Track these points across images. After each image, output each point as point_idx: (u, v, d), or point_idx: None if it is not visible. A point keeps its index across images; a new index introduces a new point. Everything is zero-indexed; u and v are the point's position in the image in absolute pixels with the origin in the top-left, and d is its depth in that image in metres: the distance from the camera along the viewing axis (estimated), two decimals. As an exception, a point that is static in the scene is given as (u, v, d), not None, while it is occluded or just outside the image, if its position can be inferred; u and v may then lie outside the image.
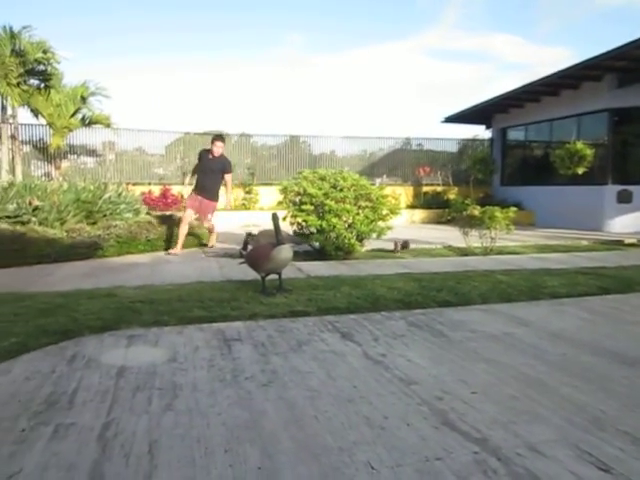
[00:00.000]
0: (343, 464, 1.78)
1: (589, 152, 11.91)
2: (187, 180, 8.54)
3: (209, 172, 7.53)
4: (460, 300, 4.32)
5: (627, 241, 9.29)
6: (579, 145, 12.02)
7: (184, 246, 7.70)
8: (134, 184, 13.42)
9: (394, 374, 2.65)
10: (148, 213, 9.56)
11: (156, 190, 13.62)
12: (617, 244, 9.11)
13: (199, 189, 7.61)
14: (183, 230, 7.51)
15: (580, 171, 11.97)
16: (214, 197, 7.68)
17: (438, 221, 14.18)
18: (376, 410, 2.21)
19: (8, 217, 7.10)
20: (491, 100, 14.39)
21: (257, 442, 1.93)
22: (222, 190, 7.92)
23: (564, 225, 12.10)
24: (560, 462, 1.80)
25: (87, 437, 1.97)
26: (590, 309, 4.08)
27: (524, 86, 13.02)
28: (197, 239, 8.50)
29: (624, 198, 11.49)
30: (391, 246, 7.70)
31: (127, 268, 6.10)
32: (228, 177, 7.68)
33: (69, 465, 1.77)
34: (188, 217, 7.57)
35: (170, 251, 7.39)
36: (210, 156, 7.56)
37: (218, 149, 7.52)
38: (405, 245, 7.87)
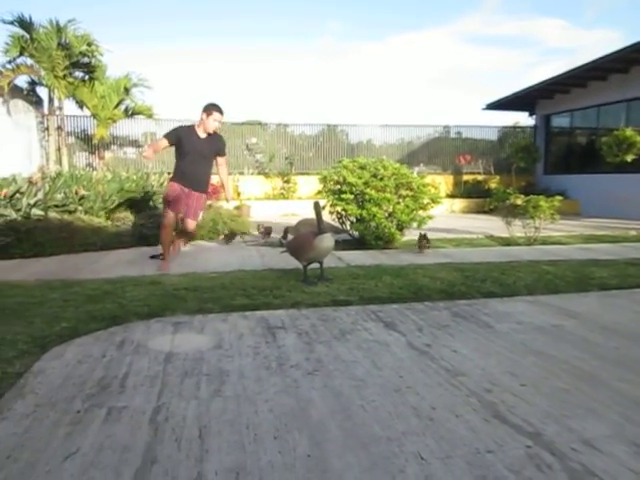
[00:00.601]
0: (392, 454, 1.77)
1: (639, 139, 11.46)
2: (145, 150, 5.94)
3: (199, 156, 5.44)
4: (505, 291, 4.23)
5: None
6: (628, 132, 11.58)
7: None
8: (175, 174, 13.62)
9: (440, 365, 2.61)
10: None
11: (196, 180, 13.79)
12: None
13: (185, 179, 5.47)
14: (167, 238, 5.45)
15: (629, 159, 11.54)
16: (206, 189, 5.81)
17: (478, 210, 13.94)
18: (423, 401, 2.19)
19: (56, 206, 7.33)
20: (535, 86, 13.99)
21: (305, 430, 1.93)
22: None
23: (610, 215, 11.71)
24: (618, 458, 1.75)
25: (139, 420, 2.01)
26: (642, 302, 3.94)
27: (570, 71, 12.61)
28: (235, 229, 8.57)
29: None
30: (433, 235, 7.59)
31: (170, 256, 6.20)
32: (223, 161, 5.76)
33: (123, 447, 1.82)
34: (171, 220, 5.45)
35: (160, 262, 5.51)
36: (202, 134, 5.42)
37: (214, 124, 5.38)
38: (424, 238, 6.37)
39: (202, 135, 5.42)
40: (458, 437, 1.89)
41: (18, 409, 2.12)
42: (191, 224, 5.65)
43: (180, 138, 5.35)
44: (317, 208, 4.38)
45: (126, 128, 14.81)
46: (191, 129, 5.43)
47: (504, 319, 3.45)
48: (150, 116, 14.05)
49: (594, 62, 11.82)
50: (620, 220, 10.95)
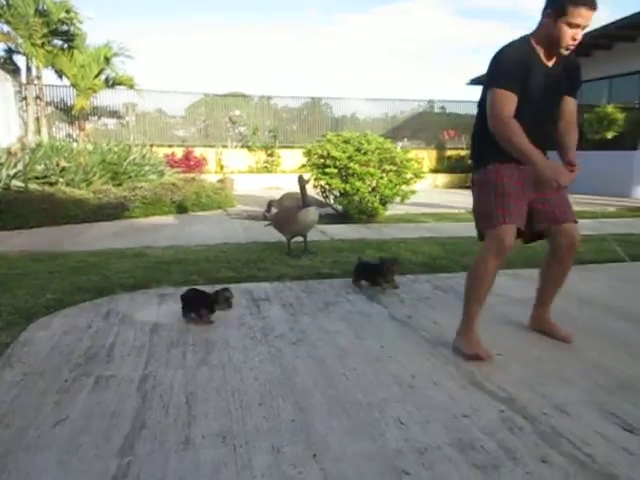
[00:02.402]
0: (373, 419, 1.84)
1: (620, 116, 11.59)
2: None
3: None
4: (485, 265, 4.31)
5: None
6: (609, 109, 11.69)
7: (207, 208, 7.72)
8: (157, 146, 13.48)
9: (420, 335, 2.70)
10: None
11: (179, 152, 13.67)
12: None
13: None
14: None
15: (609, 136, 11.68)
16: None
17: (461, 186, 14.04)
18: (404, 369, 2.27)
19: (37, 178, 7.24)
20: (519, 61, 13.97)
21: (289, 397, 2.00)
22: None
23: (591, 191, 11.86)
24: (585, 422, 1.84)
25: (127, 388, 2.06)
26: (618, 275, 4.06)
27: (555, 47, 12.60)
28: (218, 202, 8.55)
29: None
30: (415, 210, 7.68)
31: (154, 229, 6.20)
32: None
33: (112, 413, 1.86)
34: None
35: None
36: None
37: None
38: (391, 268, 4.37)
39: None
40: (436, 403, 1.97)
41: (6, 377, 2.15)
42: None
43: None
44: (301, 182, 4.41)
45: (107, 99, 14.52)
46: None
47: (483, 292, 3.53)
48: (132, 87, 13.80)
49: (578, 38, 11.82)
50: (600, 196, 11.13)
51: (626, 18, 10.55)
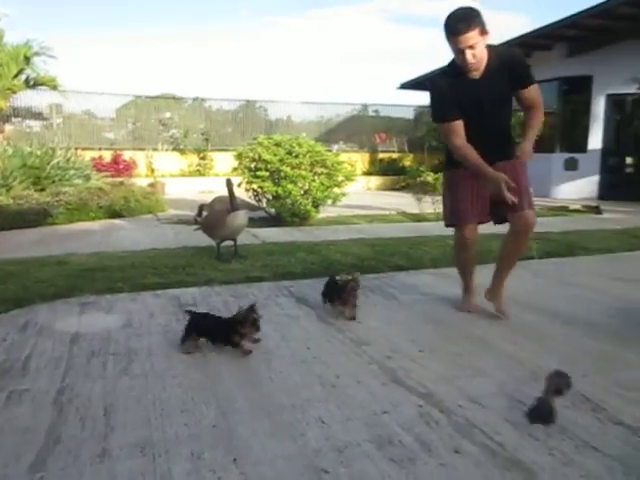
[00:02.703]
0: (295, 420, 1.86)
1: (539, 121, 12.20)
2: None
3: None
4: (412, 264, 4.45)
5: (572, 207, 9.66)
6: (529, 113, 12.29)
7: (137, 213, 7.54)
8: (83, 149, 12.99)
9: (346, 335, 2.74)
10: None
11: (107, 155, 13.23)
12: (563, 210, 9.46)
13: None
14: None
15: (530, 139, 12.27)
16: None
17: (394, 188, 14.36)
18: (328, 369, 2.30)
19: (-51, 183, 6.81)
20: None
21: (212, 402, 1.99)
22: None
23: (514, 192, 12.43)
24: (497, 412, 1.94)
25: (42, 402, 1.99)
26: (535, 271, 4.27)
27: (478, 53, 13.13)
28: (148, 207, 8.35)
29: (570, 166, 11.89)
30: (348, 212, 7.79)
31: (78, 235, 5.98)
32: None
33: (24, 428, 1.79)
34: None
35: None
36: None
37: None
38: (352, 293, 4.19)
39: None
40: (358, 401, 2.01)
41: None
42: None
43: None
44: (229, 185, 4.38)
45: (29, 100, 13.85)
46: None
47: (409, 291, 3.64)
48: (55, 87, 13.21)
49: (500, 46, 12.37)
50: (522, 196, 11.68)
51: (543, 28, 11.15)
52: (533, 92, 2.84)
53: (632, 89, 11.53)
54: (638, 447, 1.71)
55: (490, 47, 2.72)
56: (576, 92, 12.51)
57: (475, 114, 2.77)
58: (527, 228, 2.93)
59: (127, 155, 13.47)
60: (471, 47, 2.58)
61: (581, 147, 12.20)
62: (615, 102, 12.06)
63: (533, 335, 2.77)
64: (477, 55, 2.62)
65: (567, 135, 12.53)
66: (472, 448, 1.70)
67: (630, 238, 6.09)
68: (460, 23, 2.57)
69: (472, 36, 2.56)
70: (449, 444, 1.72)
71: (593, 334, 2.78)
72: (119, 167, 12.74)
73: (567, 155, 12.12)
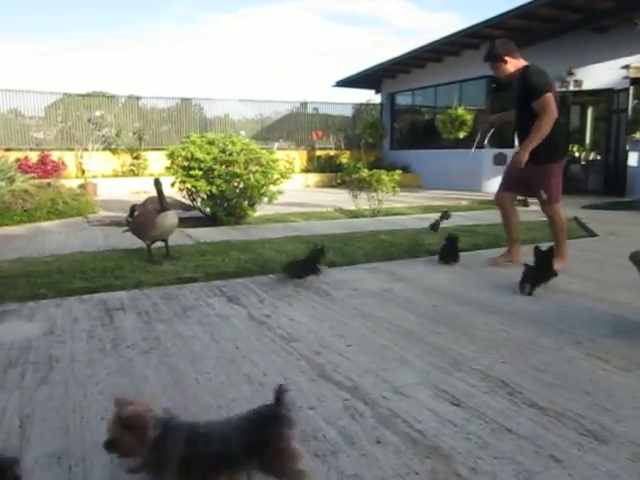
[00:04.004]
0: (220, 420, 1.85)
1: (469, 117, 12.63)
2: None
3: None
4: (346, 260, 4.50)
5: (501, 200, 10.05)
6: (460, 111, 12.70)
7: (66, 215, 7.25)
8: (7, 150, 12.37)
9: (276, 333, 2.75)
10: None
11: (34, 156, 12.65)
12: (492, 204, 9.79)
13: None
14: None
15: (461, 135, 12.69)
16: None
17: (331, 185, 14.46)
18: (256, 368, 2.30)
19: None
20: (380, 65, 14.72)
21: (135, 407, 1.94)
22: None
23: (448, 187, 12.83)
24: (420, 401, 1.99)
25: (-50, 417, 1.88)
26: (462, 264, 4.41)
27: (410, 52, 13.44)
28: (78, 209, 8.04)
29: (499, 161, 12.32)
30: (285, 209, 7.80)
31: (1, 241, 5.69)
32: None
33: None
34: None
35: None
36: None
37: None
38: None
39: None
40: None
41: None
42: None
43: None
44: (158, 185, 4.29)
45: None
46: None
47: (341, 286, 3.68)
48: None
49: (431, 44, 12.71)
50: (456, 191, 12.07)
51: (470, 27, 11.52)
52: (535, 106, 3.84)
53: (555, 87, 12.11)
54: (547, 426, 1.81)
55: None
56: (504, 89, 12.98)
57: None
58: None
59: (56, 155, 12.93)
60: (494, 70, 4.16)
61: (510, 143, 12.68)
62: (539, 99, 12.61)
63: (457, 325, 2.86)
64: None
65: (496, 131, 12.97)
66: (393, 438, 1.74)
67: (553, 229, 6.39)
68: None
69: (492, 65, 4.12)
70: (372, 435, 1.76)
71: (513, 322, 2.91)
72: (47, 168, 12.20)
73: (496, 151, 12.58)
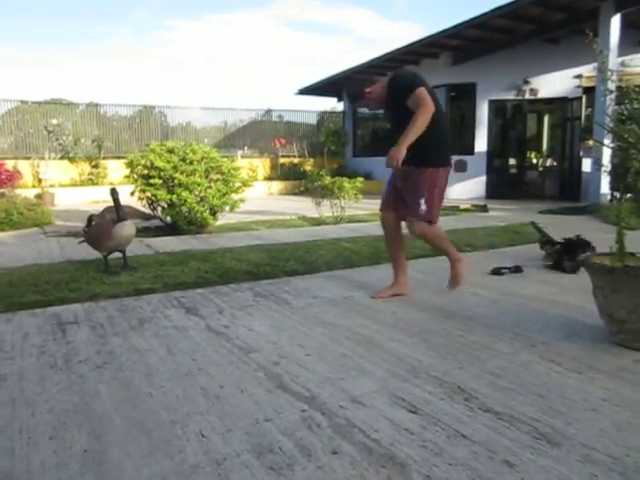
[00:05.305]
0: (174, 436, 1.81)
1: (430, 125, 12.82)
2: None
3: None
4: (307, 268, 4.49)
5: (462, 206, 10.23)
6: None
7: (20, 226, 7.03)
8: (-42, 159, 11.93)
9: (235, 344, 2.71)
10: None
11: (-14, 165, 12.21)
12: (454, 209, 9.98)
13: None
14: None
15: (423, 142, 12.86)
16: None
17: (295, 192, 14.47)
18: (213, 380, 2.26)
19: None
20: (341, 73, 14.83)
21: (86, 426, 1.88)
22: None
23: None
24: (377, 410, 1.99)
25: None
26: (423, 269, 4.46)
27: (371, 60, 13.59)
28: (34, 219, 7.81)
29: (460, 167, 12.57)
30: (248, 218, 7.74)
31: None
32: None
33: None
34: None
35: None
36: None
37: None
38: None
39: None
40: (241, 411, 1.99)
41: None
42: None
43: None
44: (114, 194, 4.20)
45: None
46: None
47: (302, 295, 3.67)
48: None
49: (390, 54, 12.88)
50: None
51: (428, 37, 11.73)
52: (411, 103, 3.36)
53: (511, 95, 12.44)
54: (501, 431, 1.83)
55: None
56: (462, 98, 13.27)
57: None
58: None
59: (11, 164, 12.53)
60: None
61: (469, 150, 12.95)
62: (497, 107, 12.93)
63: (415, 332, 2.88)
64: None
65: (455, 138, 13.24)
66: (349, 448, 1.73)
67: (512, 234, 6.54)
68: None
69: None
70: (328, 446, 1.75)
71: (471, 327, 2.95)
72: (1, 177, 11.80)
73: (457, 157, 12.80)
